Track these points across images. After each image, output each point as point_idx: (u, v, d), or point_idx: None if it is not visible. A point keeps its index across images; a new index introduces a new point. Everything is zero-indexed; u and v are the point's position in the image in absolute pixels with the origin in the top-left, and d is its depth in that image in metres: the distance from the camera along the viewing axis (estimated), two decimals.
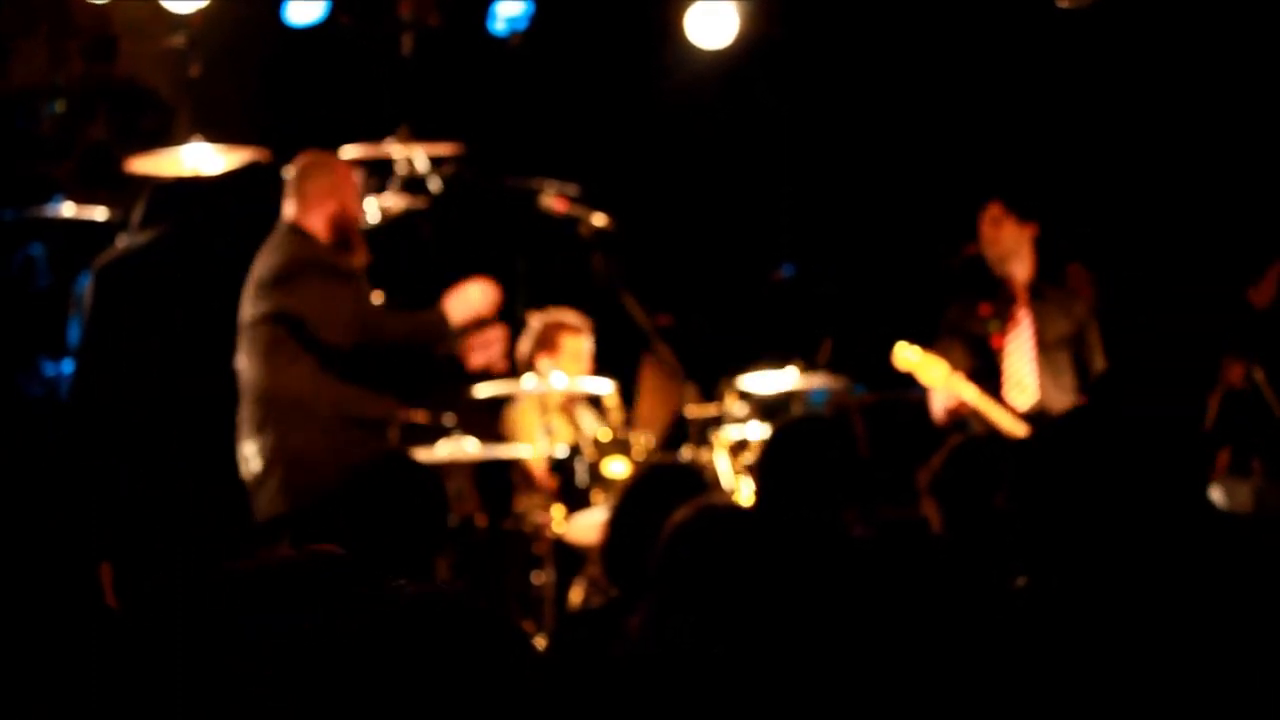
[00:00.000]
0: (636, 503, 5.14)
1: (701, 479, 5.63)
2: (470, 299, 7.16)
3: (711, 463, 8.26)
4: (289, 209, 7.10)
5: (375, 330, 6.93)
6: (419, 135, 8.26)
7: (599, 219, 7.21)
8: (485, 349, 7.24)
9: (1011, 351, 8.27)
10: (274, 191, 7.30)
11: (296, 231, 7.04)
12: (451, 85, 9.13)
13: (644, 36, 9.66)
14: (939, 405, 8.14)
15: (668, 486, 5.12)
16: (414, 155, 8.24)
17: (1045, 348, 8.28)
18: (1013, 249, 8.32)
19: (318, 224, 7.03)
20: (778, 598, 3.97)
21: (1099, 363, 8.35)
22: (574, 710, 3.76)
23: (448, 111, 8.71)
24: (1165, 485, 3.62)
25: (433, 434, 8.54)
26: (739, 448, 8.35)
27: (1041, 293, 8.36)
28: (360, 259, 7.11)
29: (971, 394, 8.08)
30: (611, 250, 7.31)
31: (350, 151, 8.10)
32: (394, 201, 8.22)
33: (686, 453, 8.24)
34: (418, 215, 8.25)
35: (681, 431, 8.59)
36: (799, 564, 4.19)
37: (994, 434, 7.77)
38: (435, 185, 8.27)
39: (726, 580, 3.93)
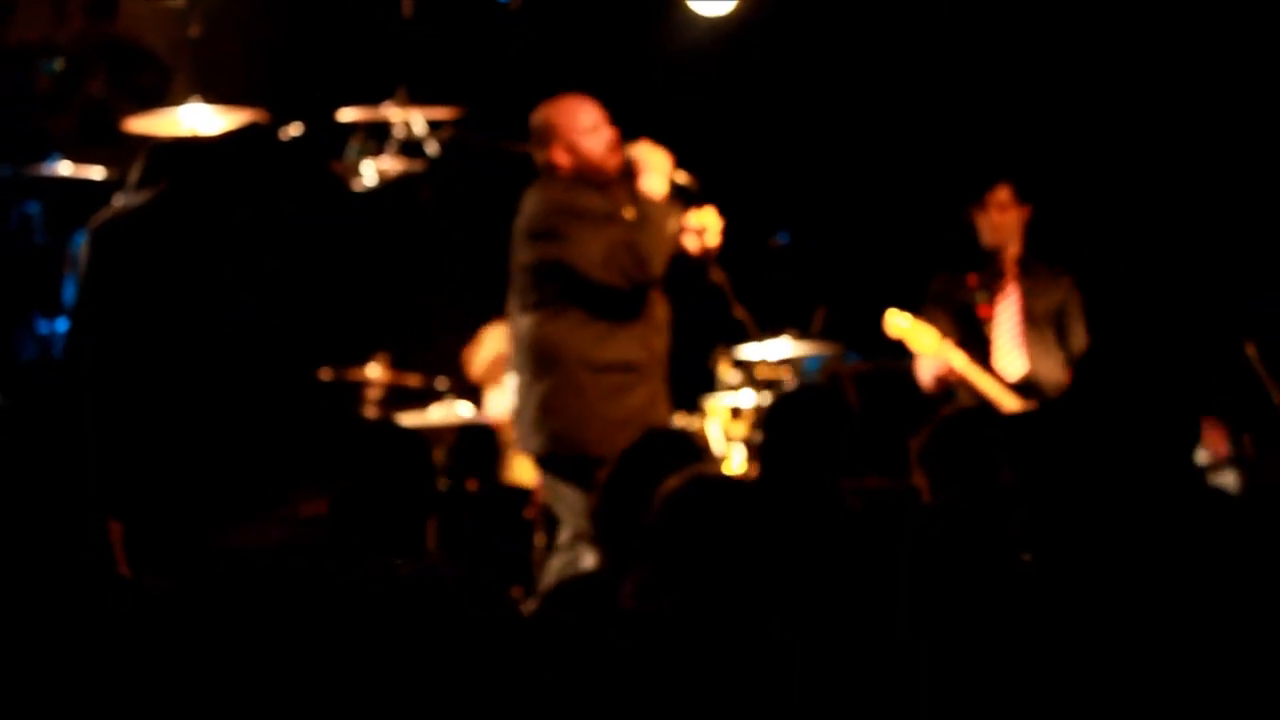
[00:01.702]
0: (630, 468, 5.15)
1: (696, 446, 5.65)
2: (649, 159, 7.13)
3: (703, 430, 8.28)
4: (542, 156, 7.18)
5: (633, 256, 6.93)
6: (418, 98, 8.25)
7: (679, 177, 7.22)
8: (698, 234, 7.22)
9: (999, 323, 8.31)
10: (272, 153, 7.29)
11: (551, 178, 7.13)
12: (451, 48, 9.12)
13: (644, 1, 9.66)
14: (927, 373, 8.18)
15: (662, 453, 5.13)
16: (412, 118, 8.24)
17: (1032, 320, 8.33)
18: (1014, 231, 8.38)
19: (565, 169, 7.12)
20: (771, 567, 3.99)
21: (1081, 337, 8.39)
22: (565, 676, 3.78)
23: (447, 74, 8.70)
24: (1161, 462, 3.64)
25: (425, 397, 8.57)
26: (732, 415, 8.38)
27: (1029, 266, 8.41)
28: (616, 195, 7.12)
29: (961, 362, 8.12)
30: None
31: (348, 114, 8.10)
32: (392, 164, 8.22)
33: (678, 419, 8.26)
34: (416, 178, 8.25)
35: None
36: (793, 533, 4.21)
37: (984, 404, 7.80)
38: (433, 149, 8.27)
39: (719, 549, 3.95)
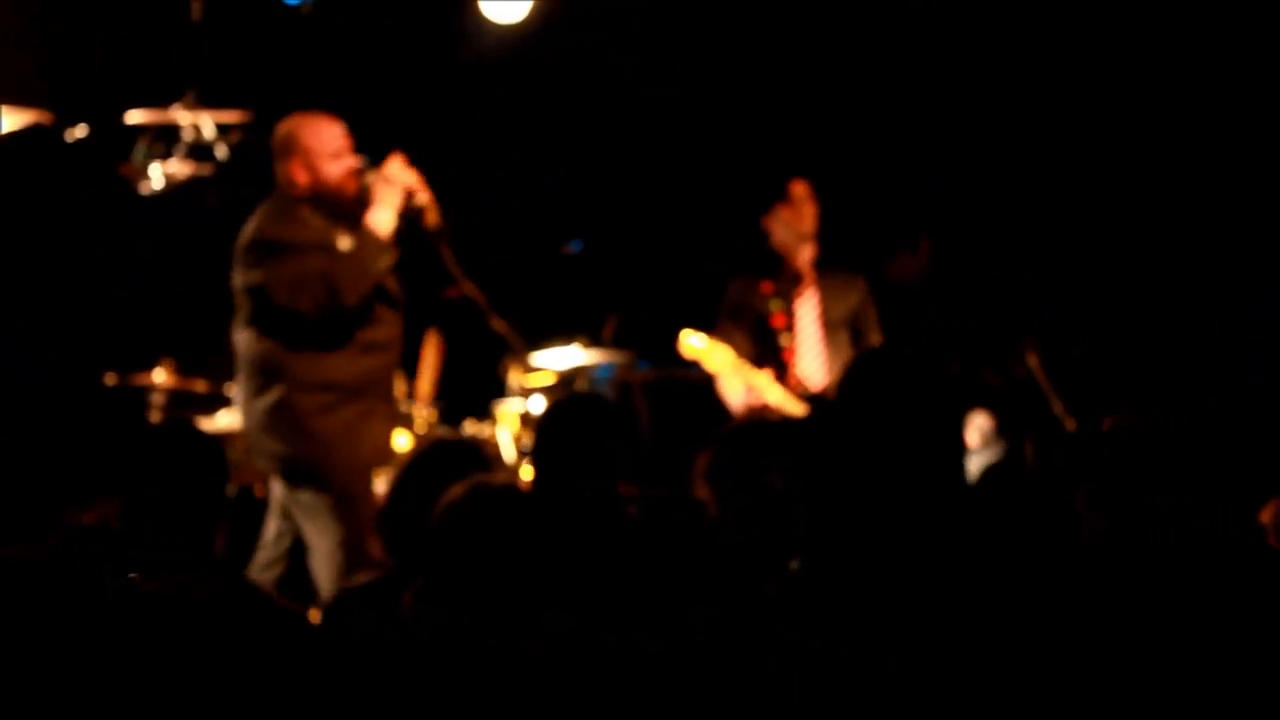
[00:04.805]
0: (416, 477, 5.15)
1: (483, 455, 5.65)
2: (384, 195, 7.04)
3: (494, 437, 8.28)
4: (277, 174, 7.08)
5: (327, 286, 6.87)
6: (207, 101, 8.17)
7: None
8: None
9: (800, 329, 8.32)
10: (55, 155, 7.19)
11: (278, 201, 7.05)
12: (241, 51, 9.04)
13: (440, 4, 9.65)
14: (737, 401, 8.17)
15: (448, 462, 5.14)
16: (201, 121, 8.16)
17: (830, 326, 8.35)
18: (809, 230, 8.41)
19: (300, 187, 7.04)
20: (548, 576, 4.01)
21: (877, 341, 8.45)
22: (346, 685, 3.77)
23: (236, 78, 8.63)
24: (922, 464, 3.70)
25: (212, 403, 8.48)
26: (522, 422, 8.38)
27: (824, 270, 8.44)
28: (354, 220, 7.04)
29: (757, 379, 8.13)
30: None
31: (135, 116, 8.00)
32: (180, 168, 8.14)
33: (469, 427, 8.25)
34: (204, 182, 8.17)
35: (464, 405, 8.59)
36: (570, 543, 4.23)
37: (779, 418, 7.83)
38: (222, 152, 8.20)
39: (496, 559, 3.96)
